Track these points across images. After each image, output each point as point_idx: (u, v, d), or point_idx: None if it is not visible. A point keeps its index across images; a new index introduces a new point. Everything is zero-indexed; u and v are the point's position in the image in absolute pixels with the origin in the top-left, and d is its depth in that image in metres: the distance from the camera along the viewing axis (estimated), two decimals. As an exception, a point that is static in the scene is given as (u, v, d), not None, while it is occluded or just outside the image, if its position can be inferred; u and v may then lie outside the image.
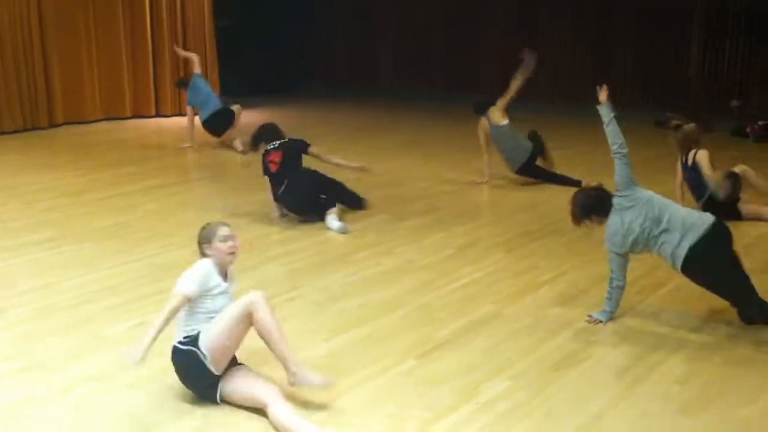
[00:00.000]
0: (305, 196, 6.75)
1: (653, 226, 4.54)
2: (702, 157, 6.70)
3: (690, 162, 6.80)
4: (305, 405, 3.81)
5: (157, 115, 12.97)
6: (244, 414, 3.72)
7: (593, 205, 4.72)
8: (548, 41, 13.05)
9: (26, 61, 11.39)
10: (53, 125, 11.82)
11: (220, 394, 3.75)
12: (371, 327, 4.73)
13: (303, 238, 6.46)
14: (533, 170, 8.19)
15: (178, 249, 6.13)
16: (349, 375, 4.10)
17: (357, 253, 6.09)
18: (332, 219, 6.63)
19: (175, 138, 10.86)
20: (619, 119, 4.81)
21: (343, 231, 6.54)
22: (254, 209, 7.20)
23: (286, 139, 6.97)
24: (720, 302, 5.00)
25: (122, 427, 3.64)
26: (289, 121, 12.36)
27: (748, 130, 10.76)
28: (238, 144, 9.63)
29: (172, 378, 3.98)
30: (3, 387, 3.98)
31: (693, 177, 6.80)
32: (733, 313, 4.87)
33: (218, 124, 10.04)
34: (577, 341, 4.53)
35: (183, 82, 10.59)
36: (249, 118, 12.15)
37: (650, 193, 4.69)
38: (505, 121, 8.11)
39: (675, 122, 10.49)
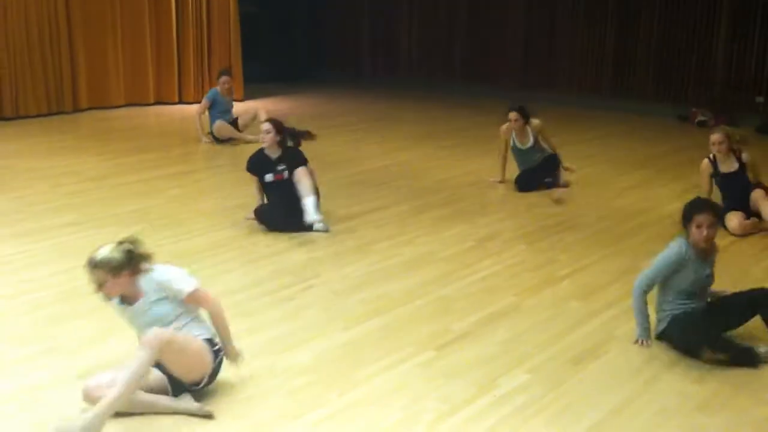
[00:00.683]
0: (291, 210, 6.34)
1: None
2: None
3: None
4: (321, 394, 3.83)
5: (180, 101, 13.03)
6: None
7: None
8: (569, 35, 12.98)
9: (52, 47, 11.48)
10: (77, 110, 11.92)
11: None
12: (390, 317, 4.75)
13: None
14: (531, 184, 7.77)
15: (198, 236, 6.18)
16: (366, 365, 4.12)
17: (377, 243, 6.10)
18: (312, 214, 6.26)
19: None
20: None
21: (323, 229, 6.31)
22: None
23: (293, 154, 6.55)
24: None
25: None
26: (309, 109, 12.44)
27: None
28: (261, 113, 9.53)
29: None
30: (26, 370, 4.04)
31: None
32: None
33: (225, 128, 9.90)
34: (596, 336, 4.52)
35: (228, 72, 10.35)
36: (269, 105, 12.21)
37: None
38: (528, 144, 7.77)
39: (700, 117, 10.32)
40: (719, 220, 4.57)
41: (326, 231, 6.30)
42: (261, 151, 6.52)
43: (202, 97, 10.62)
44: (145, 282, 3.69)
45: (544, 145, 7.82)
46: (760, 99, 11.37)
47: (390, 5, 15.18)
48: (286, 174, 6.39)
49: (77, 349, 4.27)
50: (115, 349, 4.21)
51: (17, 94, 11.23)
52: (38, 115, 11.37)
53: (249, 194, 6.71)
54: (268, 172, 6.45)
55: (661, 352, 4.33)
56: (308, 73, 15.46)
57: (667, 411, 3.74)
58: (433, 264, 5.68)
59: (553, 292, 5.18)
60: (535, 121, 7.76)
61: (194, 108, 10.69)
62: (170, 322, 3.68)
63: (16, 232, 6.23)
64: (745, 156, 6.56)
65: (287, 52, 15.38)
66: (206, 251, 5.89)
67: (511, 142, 7.85)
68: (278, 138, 6.44)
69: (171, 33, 12.84)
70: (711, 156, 6.63)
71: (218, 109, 9.84)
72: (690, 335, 4.26)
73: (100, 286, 3.59)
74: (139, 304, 3.70)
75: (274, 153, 6.46)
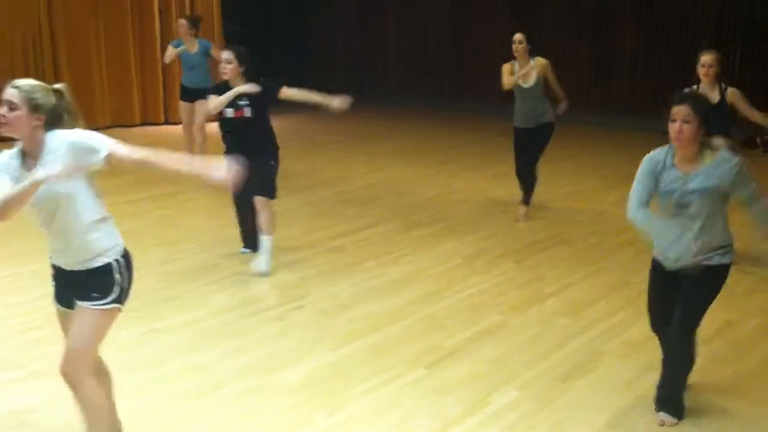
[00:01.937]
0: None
1: None
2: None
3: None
4: (310, 414, 3.81)
5: (166, 122, 13.02)
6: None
7: None
8: (553, 50, 13.06)
9: (36, 68, 11.46)
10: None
11: None
12: (379, 336, 4.74)
13: (311, 246, 6.47)
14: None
15: (187, 257, 6.17)
16: (356, 384, 4.11)
17: (365, 262, 6.10)
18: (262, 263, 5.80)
19: (183, 145, 10.88)
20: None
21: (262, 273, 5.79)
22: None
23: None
24: (730, 315, 5.01)
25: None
26: (294, 127, 12.43)
27: (758, 140, 10.75)
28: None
29: (180, 384, 4.00)
30: (18, 392, 4.01)
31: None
32: (742, 326, 4.87)
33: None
34: (584, 352, 4.53)
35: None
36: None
37: None
38: (531, 82, 7.14)
39: None
40: (702, 116, 3.47)
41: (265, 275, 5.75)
42: (226, 82, 5.73)
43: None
44: (53, 140, 3.04)
45: (554, 89, 7.27)
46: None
47: (375, 23, 15.27)
48: (247, 111, 5.70)
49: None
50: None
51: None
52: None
53: (232, 213, 6.67)
54: (228, 106, 5.70)
55: (653, 363, 4.34)
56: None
57: (659, 426, 3.74)
58: (421, 282, 5.68)
59: (540, 309, 5.19)
60: (541, 59, 7.18)
61: (181, 128, 10.59)
62: (84, 224, 3.10)
63: (2, 256, 6.19)
64: (730, 91, 6.06)
65: (271, 70, 15.40)
66: (195, 272, 5.87)
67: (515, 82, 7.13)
68: (242, 69, 5.69)
69: (155, 53, 12.84)
70: (695, 85, 6.14)
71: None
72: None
73: (10, 109, 3.00)
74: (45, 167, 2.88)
75: (238, 85, 5.67)
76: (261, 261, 5.79)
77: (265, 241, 5.80)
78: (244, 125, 5.76)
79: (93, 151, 3.02)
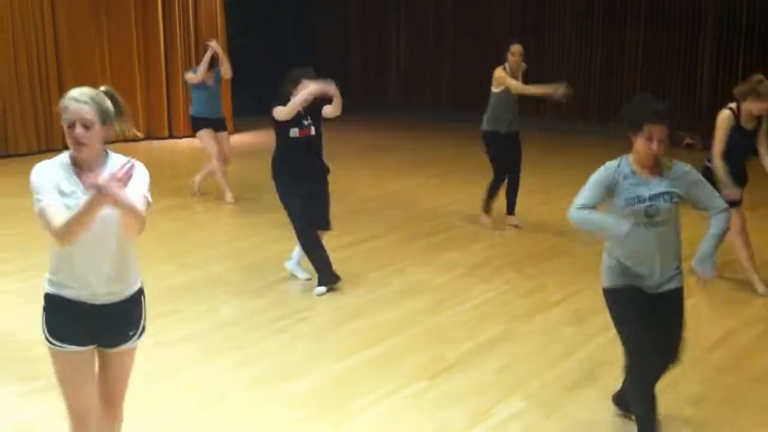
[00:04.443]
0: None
1: None
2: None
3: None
4: (314, 427, 3.81)
5: (171, 136, 13.06)
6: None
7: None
8: (556, 60, 13.12)
9: (41, 84, 11.51)
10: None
11: None
12: (383, 347, 4.74)
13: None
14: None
15: (192, 270, 6.18)
16: (360, 396, 4.11)
17: (369, 274, 6.10)
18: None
19: (187, 159, 10.94)
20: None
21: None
22: (269, 229, 7.22)
23: None
24: (734, 323, 5.01)
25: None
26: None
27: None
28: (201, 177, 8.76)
29: (185, 398, 4.01)
30: (25, 406, 4.01)
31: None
32: (744, 334, 4.86)
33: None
34: (590, 361, 4.53)
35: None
36: (258, 138, 12.24)
37: None
38: (500, 89, 7.30)
39: (688, 141, 10.15)
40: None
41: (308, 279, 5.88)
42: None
43: (193, 131, 10.48)
44: (114, 160, 2.86)
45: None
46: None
47: (378, 37, 15.32)
48: (312, 131, 5.64)
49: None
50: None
51: (6, 132, 11.23)
52: (29, 153, 11.36)
53: (242, 226, 6.71)
54: (293, 126, 5.54)
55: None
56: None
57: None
58: (425, 293, 5.69)
59: (545, 319, 5.19)
60: (523, 65, 7.37)
61: (185, 141, 10.56)
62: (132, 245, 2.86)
63: (10, 270, 6.21)
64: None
65: (277, 84, 15.46)
66: (201, 284, 5.88)
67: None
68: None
69: (160, 68, 12.90)
70: (734, 106, 5.42)
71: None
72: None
73: (86, 128, 2.74)
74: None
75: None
76: (300, 271, 5.90)
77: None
78: (306, 146, 5.59)
79: (144, 188, 2.82)
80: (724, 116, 5.40)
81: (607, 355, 4.61)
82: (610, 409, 3.93)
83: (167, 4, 12.81)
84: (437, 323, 5.13)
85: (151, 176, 2.95)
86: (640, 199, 3.38)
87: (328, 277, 5.67)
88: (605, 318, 5.15)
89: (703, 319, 5.10)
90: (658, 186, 3.40)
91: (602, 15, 12.84)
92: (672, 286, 3.49)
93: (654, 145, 3.34)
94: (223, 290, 5.77)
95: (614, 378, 4.31)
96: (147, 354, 4.58)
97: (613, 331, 4.92)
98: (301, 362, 4.54)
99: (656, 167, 3.43)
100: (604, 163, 3.50)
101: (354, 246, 6.84)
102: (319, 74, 5.75)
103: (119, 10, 12.41)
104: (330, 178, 5.90)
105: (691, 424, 3.82)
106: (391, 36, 15.17)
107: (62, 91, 11.55)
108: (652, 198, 3.38)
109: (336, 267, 6.24)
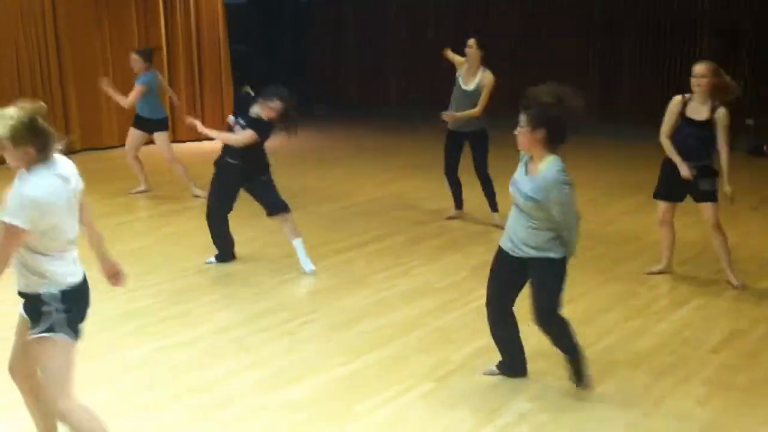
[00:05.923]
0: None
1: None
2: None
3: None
4: (321, 429, 3.81)
5: (173, 141, 13.05)
6: None
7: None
8: (554, 63, 13.11)
9: (44, 89, 11.51)
10: (71, 152, 11.82)
11: None
12: (388, 349, 4.73)
13: (320, 260, 6.48)
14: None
15: (195, 273, 6.17)
16: (366, 398, 4.10)
17: (374, 275, 6.10)
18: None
19: (188, 162, 10.92)
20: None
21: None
22: (271, 232, 7.22)
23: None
24: (742, 322, 5.00)
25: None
26: (298, 144, 12.38)
27: (765, 148, 10.75)
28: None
29: (188, 402, 4.00)
30: (22, 413, 4.00)
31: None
32: (751, 334, 4.85)
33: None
34: (596, 362, 4.51)
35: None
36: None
37: None
38: (472, 87, 7.52)
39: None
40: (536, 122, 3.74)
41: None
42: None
43: (194, 136, 10.60)
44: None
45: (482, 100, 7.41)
46: (749, 122, 11.46)
47: (376, 41, 15.34)
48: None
49: (79, 391, 4.23)
50: (114, 391, 4.18)
51: (10, 137, 11.26)
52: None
53: (240, 229, 6.70)
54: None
55: (664, 373, 4.32)
56: (297, 108, 15.56)
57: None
58: (430, 294, 5.68)
59: (551, 319, 5.17)
60: (488, 74, 7.38)
61: (188, 145, 10.68)
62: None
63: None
64: (721, 112, 5.46)
65: (276, 88, 15.52)
66: (204, 287, 5.88)
67: (457, 79, 7.53)
68: None
69: (162, 71, 12.91)
70: (687, 94, 5.61)
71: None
72: None
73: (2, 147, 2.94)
74: None
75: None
76: (307, 262, 6.12)
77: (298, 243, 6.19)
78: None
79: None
80: (674, 100, 5.74)
81: (612, 355, 4.60)
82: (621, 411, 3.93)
83: (168, 6, 12.82)
84: (443, 325, 5.12)
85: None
86: (523, 192, 3.90)
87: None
88: (611, 319, 5.17)
89: (708, 319, 5.09)
90: (533, 182, 3.83)
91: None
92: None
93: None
94: (227, 293, 5.77)
95: (621, 378, 4.31)
96: (149, 358, 4.60)
97: (618, 333, 4.96)
98: (306, 365, 4.53)
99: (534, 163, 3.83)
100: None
101: (358, 248, 6.84)
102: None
103: (120, 9, 12.42)
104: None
105: (698, 423, 3.80)
106: (389, 40, 15.18)
107: (65, 96, 11.75)
108: (527, 194, 3.88)
109: (340, 269, 6.26)
